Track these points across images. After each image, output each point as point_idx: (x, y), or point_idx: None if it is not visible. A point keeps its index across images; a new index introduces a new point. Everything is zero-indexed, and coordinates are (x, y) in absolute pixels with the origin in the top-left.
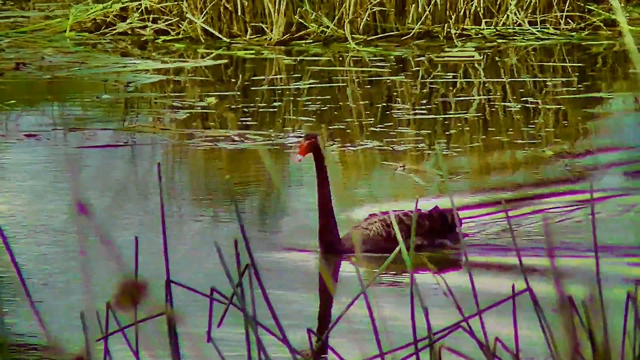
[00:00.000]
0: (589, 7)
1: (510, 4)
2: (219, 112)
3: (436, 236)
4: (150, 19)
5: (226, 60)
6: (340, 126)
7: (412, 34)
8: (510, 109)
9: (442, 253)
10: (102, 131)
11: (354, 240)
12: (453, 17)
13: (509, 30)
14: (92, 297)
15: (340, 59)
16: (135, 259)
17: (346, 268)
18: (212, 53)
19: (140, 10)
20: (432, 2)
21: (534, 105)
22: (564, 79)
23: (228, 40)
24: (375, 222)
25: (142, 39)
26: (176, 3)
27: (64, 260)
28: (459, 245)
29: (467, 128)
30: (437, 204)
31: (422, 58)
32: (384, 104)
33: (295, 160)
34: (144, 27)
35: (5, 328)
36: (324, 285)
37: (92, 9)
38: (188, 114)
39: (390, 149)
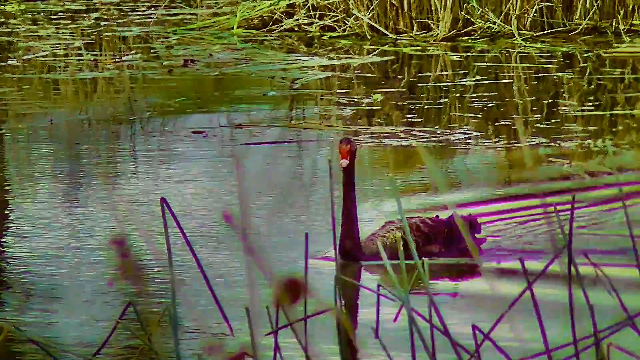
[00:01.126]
0: None
1: None
2: (384, 109)
3: (454, 243)
4: (317, 15)
5: (392, 57)
6: (506, 123)
7: (579, 29)
8: None
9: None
10: (269, 128)
11: (374, 248)
12: (621, 12)
13: None
14: (257, 292)
15: (507, 55)
16: (305, 254)
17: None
18: (377, 49)
19: (306, 7)
20: None
21: None
22: None
23: (394, 36)
24: (392, 229)
25: (309, 36)
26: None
27: (229, 254)
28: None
29: (635, 125)
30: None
31: (589, 54)
32: (551, 101)
33: (341, 166)
34: (311, 24)
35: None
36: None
37: (259, 6)
38: (354, 111)
39: (557, 145)
